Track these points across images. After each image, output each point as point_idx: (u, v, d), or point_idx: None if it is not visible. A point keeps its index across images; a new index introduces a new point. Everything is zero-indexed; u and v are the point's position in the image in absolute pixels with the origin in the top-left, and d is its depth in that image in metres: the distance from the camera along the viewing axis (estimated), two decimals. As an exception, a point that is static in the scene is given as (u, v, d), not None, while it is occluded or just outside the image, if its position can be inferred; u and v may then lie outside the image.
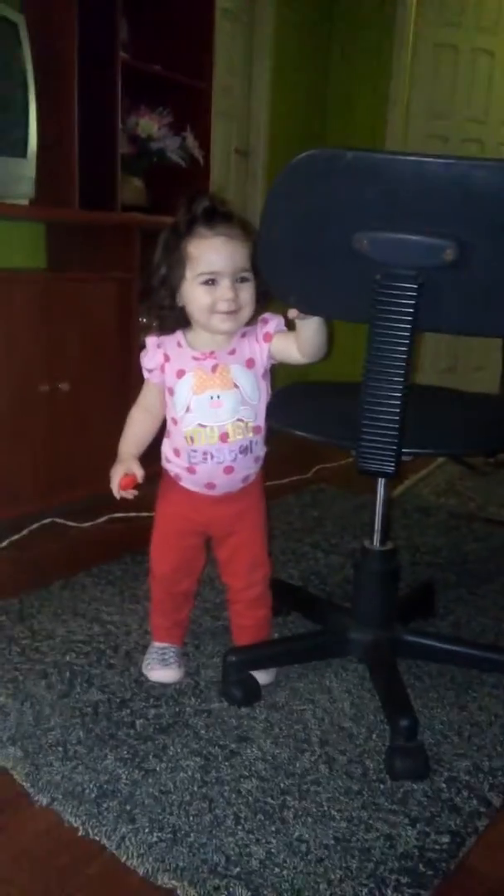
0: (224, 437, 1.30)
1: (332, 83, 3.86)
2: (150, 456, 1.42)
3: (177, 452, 1.35)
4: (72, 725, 1.32)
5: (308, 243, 1.11)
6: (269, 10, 3.44)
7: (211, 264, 1.22)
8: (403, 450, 1.18)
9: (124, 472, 1.35)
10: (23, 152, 2.09)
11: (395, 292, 1.06)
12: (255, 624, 1.48)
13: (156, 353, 1.33)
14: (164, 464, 1.40)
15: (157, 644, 1.52)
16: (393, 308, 1.07)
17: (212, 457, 1.31)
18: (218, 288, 1.23)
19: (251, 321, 1.30)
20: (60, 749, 1.26)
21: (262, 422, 1.33)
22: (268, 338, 1.30)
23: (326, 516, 2.38)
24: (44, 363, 2.18)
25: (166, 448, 1.38)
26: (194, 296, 1.24)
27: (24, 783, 1.19)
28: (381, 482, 1.40)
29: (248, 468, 1.36)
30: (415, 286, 1.04)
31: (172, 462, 1.38)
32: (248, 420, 1.31)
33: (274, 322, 1.30)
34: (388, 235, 1.04)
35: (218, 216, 1.22)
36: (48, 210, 2.28)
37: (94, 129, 2.28)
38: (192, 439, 1.31)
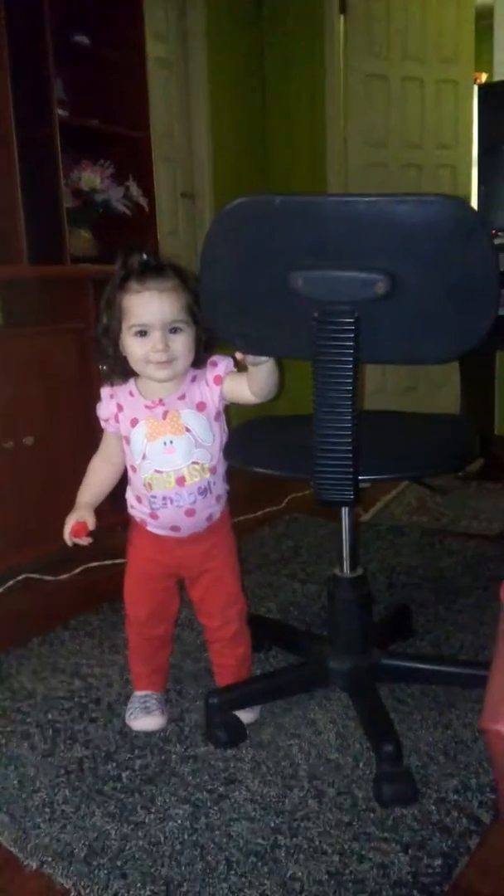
0: (181, 481, 1.32)
1: (270, 119, 3.95)
2: (120, 504, 1.43)
3: (139, 499, 1.37)
4: (57, 784, 1.30)
5: (246, 286, 1.14)
6: (200, 55, 3.53)
7: (140, 317, 1.26)
8: (360, 477, 1.20)
9: (76, 519, 1.38)
10: (-32, 215, 2.11)
11: (333, 328, 1.09)
12: (236, 662, 1.49)
13: (109, 404, 1.36)
14: (130, 510, 1.43)
15: (138, 693, 1.51)
16: (333, 343, 1.09)
17: (171, 501, 1.33)
18: (149, 339, 1.26)
19: (200, 365, 1.33)
20: (47, 810, 1.24)
21: (218, 462, 1.35)
22: (217, 380, 1.33)
23: (301, 545, 2.39)
24: (6, 419, 2.19)
25: (129, 495, 1.41)
26: (129, 347, 1.29)
27: (12, 848, 1.17)
28: (344, 511, 1.42)
29: (210, 507, 1.38)
30: (351, 321, 1.07)
31: (136, 508, 1.40)
32: (204, 462, 1.33)
33: (223, 364, 1.33)
34: (321, 273, 1.07)
35: (149, 270, 1.26)
36: (-2, 269, 2.31)
37: (38, 186, 2.32)
38: (150, 485, 1.33)
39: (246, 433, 1.48)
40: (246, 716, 1.43)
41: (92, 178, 2.52)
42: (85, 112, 2.58)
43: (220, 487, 1.39)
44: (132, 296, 1.26)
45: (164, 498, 1.33)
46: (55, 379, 2.32)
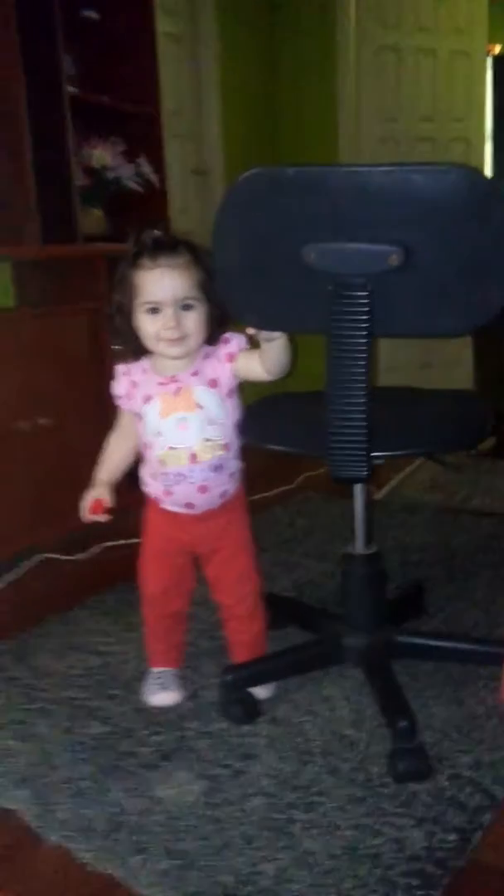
0: (193, 458, 1.32)
1: (282, 94, 3.90)
2: (137, 482, 1.44)
3: (153, 476, 1.38)
4: (77, 761, 1.32)
5: (259, 261, 1.13)
6: (211, 29, 3.48)
7: (152, 294, 1.26)
8: (374, 453, 1.20)
9: (94, 496, 1.39)
10: (-21, 195, 2.11)
11: (347, 301, 1.08)
12: (251, 639, 1.49)
13: (123, 381, 1.37)
14: (144, 488, 1.43)
15: (154, 669, 1.52)
16: (347, 317, 1.09)
17: (185, 477, 1.33)
18: (161, 316, 1.26)
19: (213, 341, 1.32)
20: (68, 786, 1.26)
21: (231, 439, 1.35)
22: (230, 357, 1.32)
23: (315, 524, 2.39)
24: (21, 400, 2.19)
25: (143, 473, 1.41)
26: (141, 324, 1.29)
27: (33, 823, 1.19)
28: (357, 487, 1.42)
29: (224, 484, 1.38)
30: (365, 293, 1.06)
31: (150, 485, 1.40)
32: (217, 439, 1.33)
33: (235, 342, 1.32)
34: (335, 246, 1.06)
35: (162, 247, 1.25)
36: (10, 248, 2.30)
37: (48, 164, 2.30)
38: (163, 462, 1.33)
39: (260, 410, 1.47)
40: (261, 691, 1.44)
41: (103, 155, 2.50)
42: (95, 88, 2.55)
43: (234, 465, 1.38)
44: (144, 273, 1.26)
45: (177, 474, 1.33)
46: (69, 359, 2.32)
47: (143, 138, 2.68)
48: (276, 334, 1.22)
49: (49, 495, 2.26)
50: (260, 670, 1.47)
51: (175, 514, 1.40)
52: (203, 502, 1.37)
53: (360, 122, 3.77)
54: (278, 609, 1.71)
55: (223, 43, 3.54)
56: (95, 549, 2.25)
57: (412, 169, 1.01)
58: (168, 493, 1.36)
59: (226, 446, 1.34)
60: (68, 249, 2.39)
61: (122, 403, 1.39)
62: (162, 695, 1.47)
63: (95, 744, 1.36)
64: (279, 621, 1.70)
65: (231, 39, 3.58)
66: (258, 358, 1.29)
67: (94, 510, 1.38)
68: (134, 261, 1.27)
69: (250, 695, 1.41)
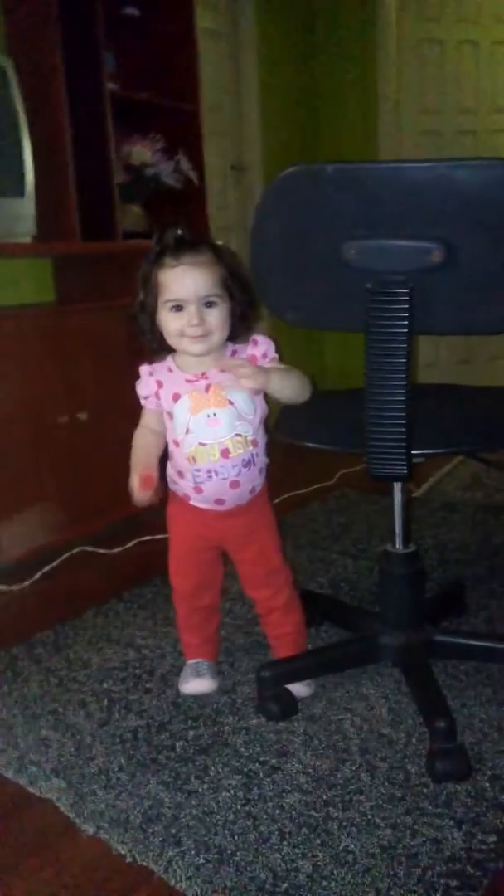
0: (225, 454, 1.32)
1: (321, 89, 3.87)
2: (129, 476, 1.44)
3: (180, 474, 1.37)
4: (113, 753, 1.33)
5: (298, 258, 1.13)
6: (251, 25, 3.47)
7: (175, 292, 1.26)
8: (414, 451, 1.18)
9: (140, 473, 1.35)
10: (20, 191, 2.13)
11: (387, 299, 1.07)
12: (294, 630, 1.49)
13: (149, 381, 1.36)
14: (171, 486, 1.43)
15: (190, 661, 1.54)
16: (386, 315, 1.07)
17: (216, 473, 1.33)
18: (184, 314, 1.26)
19: (237, 339, 1.33)
20: (103, 777, 1.27)
21: (259, 435, 1.36)
22: (254, 361, 1.32)
23: (353, 521, 2.38)
24: (61, 395, 2.22)
25: (170, 471, 1.41)
26: (165, 321, 1.29)
27: (69, 813, 1.20)
28: (396, 486, 1.41)
29: (253, 480, 1.38)
30: (405, 290, 1.05)
31: (178, 484, 1.40)
32: (246, 434, 1.33)
33: (262, 349, 1.33)
34: (375, 243, 1.05)
35: (184, 246, 1.26)
36: (50, 245, 2.33)
37: (89, 161, 2.32)
38: (194, 459, 1.33)
39: (297, 408, 1.47)
40: (302, 689, 1.44)
41: (142, 152, 2.51)
42: (135, 85, 2.56)
43: (262, 460, 1.39)
44: (167, 271, 1.26)
45: (208, 471, 1.33)
46: (106, 355, 2.33)
47: (183, 135, 2.68)
48: (276, 386, 1.26)
49: (87, 489, 2.29)
50: (297, 667, 1.47)
51: (202, 512, 1.40)
52: (233, 498, 1.37)
53: (400, 116, 3.73)
54: (314, 606, 1.71)
55: (263, 39, 3.53)
56: (132, 544, 2.27)
57: (455, 164, 1.00)
58: (198, 489, 1.36)
59: (254, 442, 1.35)
60: (107, 246, 2.41)
61: (147, 403, 1.39)
62: (197, 682, 1.49)
63: (131, 736, 1.37)
64: (315, 618, 1.70)
65: (271, 35, 3.57)
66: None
67: (145, 485, 1.33)
68: (157, 259, 1.27)
69: (287, 691, 1.41)
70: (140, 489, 1.35)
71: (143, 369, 1.37)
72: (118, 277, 2.46)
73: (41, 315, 2.27)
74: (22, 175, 2.14)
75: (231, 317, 1.29)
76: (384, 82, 3.68)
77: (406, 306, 1.06)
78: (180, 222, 1.29)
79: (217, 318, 1.27)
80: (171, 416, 1.35)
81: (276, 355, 1.34)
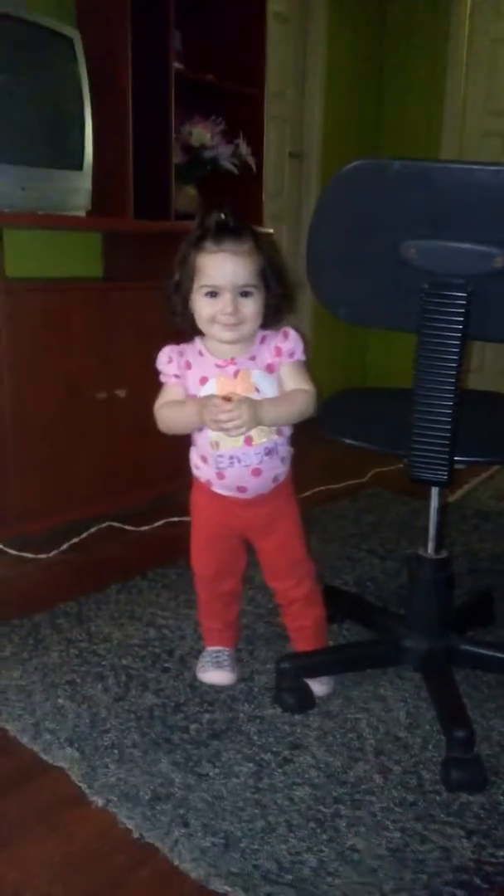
0: (249, 441, 1.31)
1: (387, 82, 3.83)
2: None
3: (204, 459, 1.37)
4: (127, 728, 1.34)
5: (356, 253, 1.11)
6: (321, 11, 3.43)
7: (212, 278, 1.24)
8: (456, 458, 1.17)
9: (218, 400, 1.27)
10: (79, 165, 2.14)
11: (443, 301, 1.05)
12: (314, 623, 1.48)
13: (178, 361, 1.34)
14: (194, 471, 1.43)
15: (209, 648, 1.54)
16: (441, 317, 1.06)
17: (238, 460, 1.33)
18: (219, 301, 1.25)
19: (273, 327, 1.32)
20: (116, 751, 1.28)
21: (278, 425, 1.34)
22: (278, 352, 1.31)
23: (383, 521, 2.36)
24: (101, 370, 2.23)
25: (193, 456, 1.41)
26: (198, 306, 1.28)
27: (80, 784, 1.21)
28: (434, 491, 1.39)
29: (276, 469, 1.37)
30: (464, 294, 1.03)
31: (201, 469, 1.39)
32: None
33: (290, 345, 1.31)
34: (436, 244, 1.03)
35: (226, 232, 1.23)
36: (103, 221, 2.33)
37: (149, 139, 2.32)
38: (217, 444, 1.32)
39: (338, 404, 1.46)
40: (320, 688, 1.44)
41: (203, 133, 2.50)
42: (200, 66, 2.55)
43: (285, 450, 1.38)
44: (206, 256, 1.24)
45: (231, 457, 1.33)
46: (149, 335, 2.31)
47: (244, 119, 2.67)
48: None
49: (119, 466, 2.30)
50: (317, 662, 1.46)
51: (225, 499, 1.39)
52: (255, 486, 1.36)
53: (465, 115, 3.67)
54: (338, 603, 1.70)
55: (332, 27, 3.49)
56: (160, 523, 2.28)
57: (527, 169, 0.98)
58: (221, 475, 1.36)
59: (279, 431, 1.34)
60: (160, 225, 2.40)
61: (169, 380, 1.37)
62: (217, 673, 1.49)
63: (146, 714, 1.38)
64: (338, 615, 1.69)
65: (340, 23, 3.53)
66: (292, 382, 1.31)
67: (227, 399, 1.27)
68: (197, 242, 1.26)
69: (305, 685, 1.41)
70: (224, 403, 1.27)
71: (173, 349, 1.36)
72: (167, 258, 2.44)
73: (88, 290, 2.28)
74: (82, 148, 2.14)
75: (265, 308, 1.28)
76: (453, 80, 3.62)
77: (462, 310, 1.05)
78: (225, 206, 1.26)
79: (251, 308, 1.26)
80: (194, 398, 1.34)
81: (303, 357, 1.32)
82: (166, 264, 2.41)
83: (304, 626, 1.49)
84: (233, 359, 1.31)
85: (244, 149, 2.62)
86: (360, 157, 1.07)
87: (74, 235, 2.51)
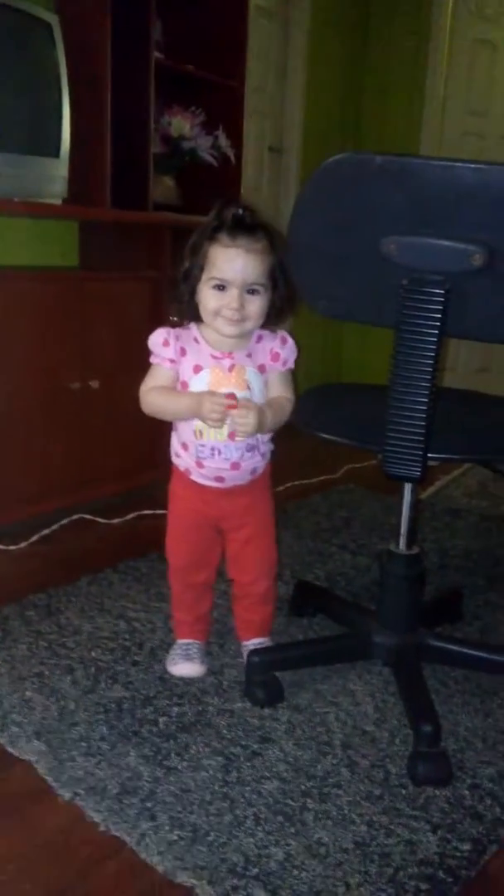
0: (232, 436, 1.32)
1: (368, 79, 3.83)
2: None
3: (185, 447, 1.38)
4: (96, 721, 1.33)
5: (336, 247, 1.11)
6: (304, 7, 3.42)
7: (222, 272, 1.25)
8: (430, 455, 1.17)
9: (220, 397, 1.27)
10: (55, 152, 2.11)
11: (421, 297, 1.06)
12: (262, 619, 1.52)
13: (174, 345, 1.33)
14: (174, 458, 1.43)
15: (180, 641, 1.53)
16: (419, 314, 1.06)
17: (219, 453, 1.34)
18: (226, 295, 1.26)
19: (272, 327, 1.33)
20: (84, 744, 1.27)
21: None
22: (275, 358, 1.34)
23: (354, 517, 2.37)
24: (75, 361, 2.20)
25: (174, 443, 1.41)
26: (204, 297, 1.28)
27: (47, 777, 1.20)
28: (407, 487, 1.40)
29: (255, 463, 1.39)
30: (442, 291, 1.04)
31: (181, 457, 1.40)
32: None
33: (286, 354, 1.34)
34: (416, 240, 1.03)
35: (242, 227, 1.24)
36: (80, 209, 2.30)
37: (127, 128, 2.30)
38: (200, 434, 1.33)
39: (315, 398, 1.46)
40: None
41: (182, 124, 2.49)
42: (181, 56, 2.53)
43: (266, 446, 1.40)
44: (219, 249, 1.25)
45: (213, 448, 1.34)
46: (125, 325, 2.32)
47: (224, 111, 2.65)
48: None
49: (92, 457, 2.28)
50: (287, 656, 1.47)
51: (202, 488, 1.40)
52: (233, 477, 1.38)
53: (445, 114, 3.69)
54: (309, 597, 1.71)
55: (314, 22, 3.48)
56: (131, 516, 2.27)
57: (504, 169, 0.98)
58: (199, 464, 1.37)
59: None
60: (137, 216, 2.39)
61: (162, 363, 1.35)
62: (186, 665, 1.48)
63: (115, 707, 1.37)
64: (309, 610, 1.70)
65: (323, 20, 3.53)
66: (276, 390, 1.34)
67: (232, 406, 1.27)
68: (212, 234, 1.26)
69: (275, 678, 1.41)
70: (228, 408, 1.27)
71: (169, 332, 1.34)
72: (144, 248, 2.44)
73: (63, 279, 2.26)
74: (59, 135, 2.12)
75: (269, 307, 1.29)
76: (433, 79, 3.64)
77: (440, 307, 1.05)
78: (242, 201, 1.28)
79: (257, 306, 1.27)
80: (186, 385, 1.34)
81: (293, 367, 1.36)
82: (143, 255, 2.42)
83: (253, 619, 1.52)
84: (231, 353, 1.32)
85: (224, 141, 2.60)
86: (339, 152, 1.06)
87: (50, 224, 2.48)
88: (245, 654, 1.49)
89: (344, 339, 4.05)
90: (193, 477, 1.40)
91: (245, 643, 1.54)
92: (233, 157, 2.66)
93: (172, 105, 2.51)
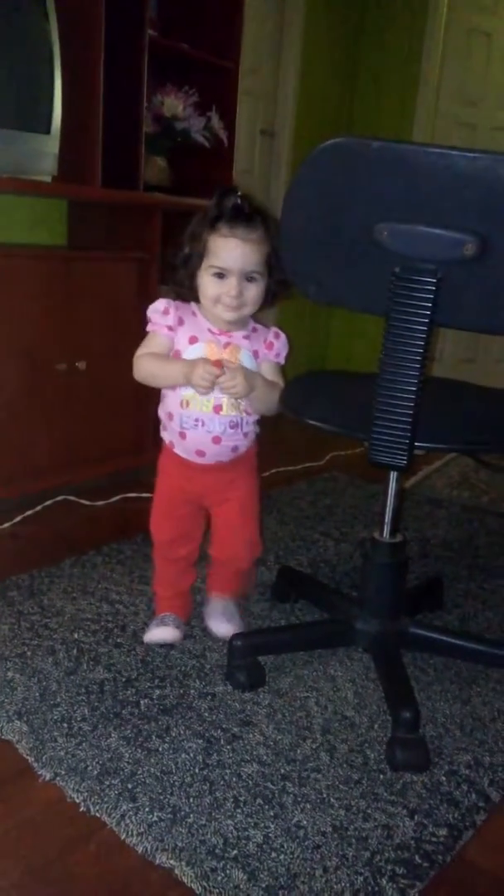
0: (217, 409, 1.37)
1: (362, 66, 3.81)
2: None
3: (170, 416, 1.41)
4: (77, 703, 1.33)
5: (329, 233, 1.11)
6: (300, -10, 3.39)
7: (222, 260, 1.30)
8: (416, 443, 1.18)
9: (209, 363, 1.30)
10: (46, 128, 2.08)
11: (412, 286, 1.05)
12: (235, 589, 1.59)
13: (174, 314, 1.37)
14: (162, 432, 1.47)
15: (158, 615, 1.57)
16: (410, 302, 1.06)
17: (203, 424, 1.38)
18: (225, 283, 1.31)
19: (265, 310, 1.38)
20: (65, 725, 1.27)
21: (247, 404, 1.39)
22: (269, 347, 1.40)
23: (338, 504, 2.38)
24: (61, 341, 2.19)
25: (161, 412, 1.44)
26: (204, 283, 1.33)
27: (28, 757, 1.20)
28: (392, 475, 1.40)
29: (237, 441, 1.42)
30: (433, 280, 1.04)
31: (167, 428, 1.44)
32: (241, 402, 1.38)
33: (278, 347, 1.40)
34: (409, 227, 1.03)
35: (241, 217, 1.28)
36: (70, 187, 2.28)
37: (119, 106, 2.27)
38: (187, 403, 1.37)
39: (304, 384, 1.46)
40: (225, 628, 1.54)
41: (175, 104, 2.46)
42: (175, 35, 2.50)
43: (251, 427, 1.43)
44: (219, 238, 1.29)
45: (196, 419, 1.37)
46: (112, 306, 2.30)
47: (218, 92, 2.63)
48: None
49: (77, 439, 2.27)
50: (269, 640, 1.48)
51: (186, 464, 1.44)
52: (214, 453, 1.41)
53: (438, 103, 3.68)
54: (292, 583, 1.72)
55: (309, 9, 3.45)
56: (116, 499, 2.26)
57: (499, 158, 0.98)
58: (182, 435, 1.40)
59: (247, 410, 1.39)
60: (128, 196, 2.36)
61: (160, 330, 1.37)
62: (159, 630, 1.52)
63: (97, 689, 1.37)
64: (292, 595, 1.71)
65: (318, 5, 3.49)
66: (270, 377, 1.39)
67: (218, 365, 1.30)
68: (212, 223, 1.29)
69: (257, 662, 1.42)
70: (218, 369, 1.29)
71: (169, 301, 1.38)
72: (134, 229, 2.42)
73: (51, 258, 2.23)
74: (50, 111, 2.08)
75: (266, 293, 1.34)
76: (427, 67, 3.62)
77: (431, 296, 1.05)
78: (240, 190, 1.31)
79: (254, 293, 1.32)
80: (179, 355, 1.37)
81: (284, 362, 1.42)
82: (133, 235, 2.40)
83: (227, 587, 1.58)
84: (229, 331, 1.36)
85: (216, 122, 2.58)
86: (334, 135, 1.06)
87: (39, 202, 2.46)
88: (210, 605, 1.59)
89: (332, 329, 4.05)
90: (176, 450, 1.44)
91: (213, 597, 1.60)
92: (225, 140, 2.64)
93: (165, 84, 2.48)
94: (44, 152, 2.09)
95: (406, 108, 3.70)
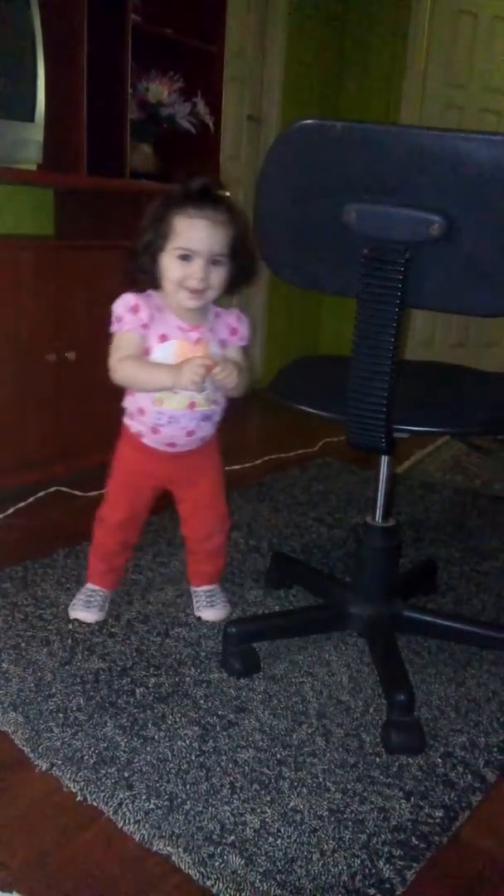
0: (192, 406, 1.37)
1: (348, 49, 3.78)
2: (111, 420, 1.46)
3: (141, 412, 1.40)
4: (72, 692, 1.33)
5: (300, 215, 1.11)
6: (284, -27, 3.36)
7: (189, 241, 1.27)
8: (396, 427, 1.18)
9: (199, 363, 1.27)
10: (30, 116, 2.06)
11: (382, 267, 1.05)
12: (214, 570, 1.61)
13: (145, 311, 1.33)
14: (127, 420, 1.46)
15: (89, 586, 1.60)
16: (380, 283, 1.06)
17: (177, 420, 1.39)
18: (191, 266, 1.28)
19: (225, 304, 1.38)
20: (61, 715, 1.27)
21: (219, 396, 1.41)
22: (233, 332, 1.39)
23: (331, 490, 2.38)
24: (51, 332, 2.17)
25: (130, 405, 1.43)
26: (168, 267, 1.30)
27: (24, 748, 1.20)
28: (383, 459, 1.40)
29: (208, 431, 1.45)
30: (401, 261, 1.03)
31: (137, 420, 1.43)
32: (214, 394, 1.39)
33: (242, 331, 1.40)
34: (377, 208, 1.03)
35: (209, 199, 1.27)
36: (55, 176, 2.26)
37: (103, 93, 2.25)
38: (160, 401, 1.37)
39: (293, 370, 1.46)
40: (212, 613, 1.58)
41: (159, 90, 2.44)
42: (159, 20, 2.47)
43: (219, 416, 1.45)
44: (186, 220, 1.27)
45: (171, 416, 1.38)
46: (101, 295, 2.24)
47: (203, 77, 2.60)
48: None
49: (68, 430, 2.26)
50: (264, 627, 1.48)
51: (153, 452, 1.45)
52: (186, 443, 1.43)
53: (425, 86, 3.65)
54: (286, 569, 1.72)
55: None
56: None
57: (467, 136, 0.97)
58: (155, 430, 1.41)
59: (217, 402, 1.41)
60: (114, 183, 2.34)
61: (133, 329, 1.33)
62: (84, 612, 1.55)
63: (92, 678, 1.37)
64: (285, 581, 1.71)
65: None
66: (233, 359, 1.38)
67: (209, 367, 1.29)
68: (178, 205, 1.27)
69: (252, 649, 1.42)
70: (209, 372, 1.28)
71: (138, 297, 1.33)
72: (121, 217, 2.39)
73: (38, 248, 2.21)
74: (34, 99, 2.06)
75: (229, 278, 1.32)
76: (413, 50, 3.59)
77: (400, 277, 1.04)
78: (208, 173, 1.30)
79: (219, 277, 1.30)
80: (149, 353, 1.35)
81: (248, 343, 1.42)
82: (120, 223, 2.37)
83: (207, 570, 1.60)
84: (198, 326, 1.35)
85: (202, 108, 2.56)
86: (305, 116, 1.06)
87: (25, 190, 2.43)
88: (195, 597, 1.61)
89: (323, 314, 4.03)
90: (145, 441, 1.44)
91: (196, 588, 1.62)
92: (211, 125, 2.62)
93: (150, 70, 2.45)
94: (28, 140, 2.07)
95: (393, 92, 3.67)
